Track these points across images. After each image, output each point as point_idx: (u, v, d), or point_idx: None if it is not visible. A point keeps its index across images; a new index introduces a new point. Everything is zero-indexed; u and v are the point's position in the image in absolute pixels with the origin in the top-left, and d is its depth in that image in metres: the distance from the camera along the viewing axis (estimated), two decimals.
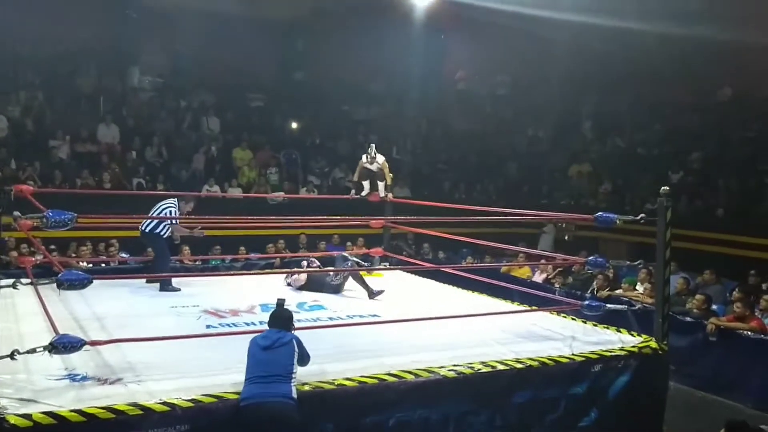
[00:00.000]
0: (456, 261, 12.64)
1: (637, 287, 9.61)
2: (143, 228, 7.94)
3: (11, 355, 4.27)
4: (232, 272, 9.46)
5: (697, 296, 8.64)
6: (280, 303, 4.82)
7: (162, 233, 7.94)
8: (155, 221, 7.82)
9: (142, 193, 12.51)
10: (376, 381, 4.78)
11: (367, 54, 17.22)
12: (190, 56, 17.09)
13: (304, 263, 8.66)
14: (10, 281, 7.40)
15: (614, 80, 17.58)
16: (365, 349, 5.43)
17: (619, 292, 9.52)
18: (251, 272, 9.08)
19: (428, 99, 19.12)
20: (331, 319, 6.51)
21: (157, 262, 7.99)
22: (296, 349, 4.45)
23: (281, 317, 4.70)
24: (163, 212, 7.85)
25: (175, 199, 8.03)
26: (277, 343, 4.42)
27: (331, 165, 16.24)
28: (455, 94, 20.37)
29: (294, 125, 17.54)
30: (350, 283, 7.90)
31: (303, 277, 7.94)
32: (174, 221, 7.89)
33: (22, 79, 15.19)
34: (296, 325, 6.04)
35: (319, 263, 8.62)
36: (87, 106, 15.48)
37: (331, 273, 7.96)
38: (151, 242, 8.28)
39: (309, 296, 7.44)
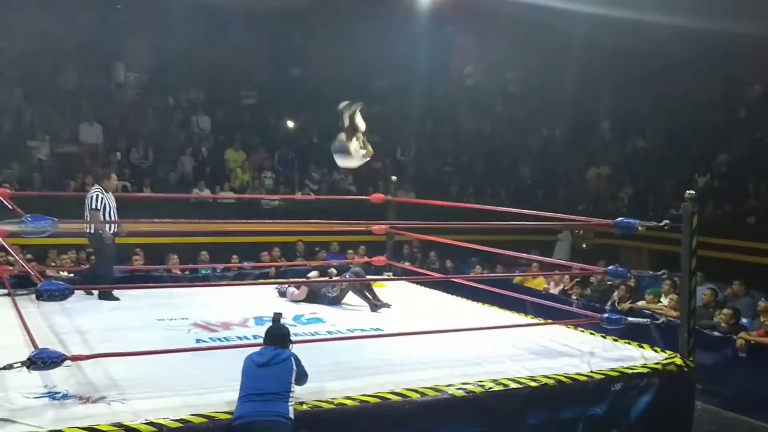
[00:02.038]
0: (465, 270, 12.64)
1: (661, 299, 9.60)
2: (89, 230, 7.79)
3: None
4: (223, 282, 9.47)
5: (725, 309, 8.62)
6: (277, 318, 4.81)
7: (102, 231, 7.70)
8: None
9: (128, 197, 12.53)
10: (378, 400, 4.76)
11: (369, 48, 17.22)
12: (178, 51, 17.12)
13: (314, 273, 8.56)
14: None
15: (634, 76, 17.59)
16: (367, 366, 5.42)
17: (641, 304, 9.51)
18: (244, 282, 9.08)
19: (435, 96, 19.13)
20: (330, 332, 6.49)
21: (99, 267, 7.86)
22: (294, 368, 4.46)
23: (278, 334, 4.69)
24: (93, 202, 7.66)
25: (97, 186, 7.91)
26: (273, 360, 4.43)
27: (330, 167, 16.25)
28: (464, 92, 20.38)
29: (290, 124, 17.57)
30: (350, 297, 7.89)
31: (303, 290, 7.88)
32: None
33: None
34: (293, 338, 6.06)
35: (336, 272, 8.60)
36: (68, 104, 15.52)
37: (328, 284, 7.94)
38: (93, 244, 8.06)
39: (306, 308, 7.43)
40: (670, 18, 13.93)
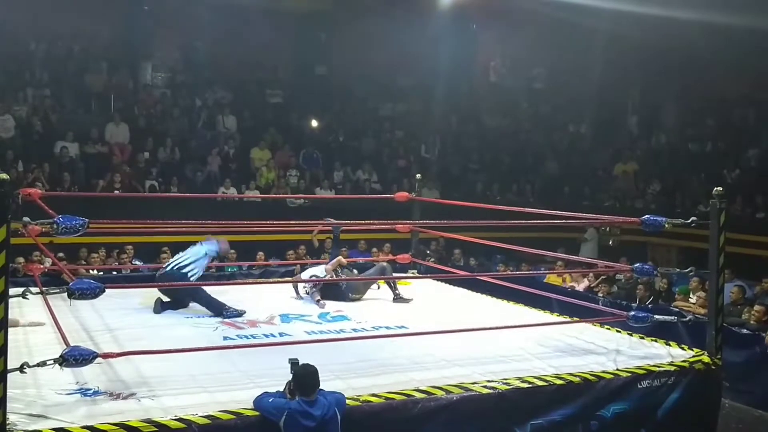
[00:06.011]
0: (489, 268, 12.60)
1: (689, 297, 9.51)
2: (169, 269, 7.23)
3: (20, 369, 4.35)
4: (250, 280, 9.52)
5: (757, 306, 8.52)
6: (295, 362, 4.47)
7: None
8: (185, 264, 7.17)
9: (155, 196, 12.69)
10: (404, 397, 4.78)
11: (393, 46, 17.25)
12: (204, 51, 17.29)
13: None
14: (20, 290, 7.53)
15: (661, 72, 17.41)
16: (392, 363, 5.44)
17: (680, 304, 9.39)
18: (270, 281, 9.14)
19: (459, 93, 19.09)
20: (355, 330, 6.52)
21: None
22: (339, 418, 4.33)
23: (309, 377, 4.35)
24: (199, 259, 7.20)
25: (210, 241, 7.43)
26: (323, 422, 4.26)
27: (355, 165, 16.30)
28: (488, 88, 20.31)
29: (315, 123, 17.65)
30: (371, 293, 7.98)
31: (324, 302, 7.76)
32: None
33: (29, 76, 15.48)
34: (319, 336, 6.10)
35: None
36: (97, 104, 15.74)
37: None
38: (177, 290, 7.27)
39: (332, 306, 7.46)
40: (696, 13, 13.77)
